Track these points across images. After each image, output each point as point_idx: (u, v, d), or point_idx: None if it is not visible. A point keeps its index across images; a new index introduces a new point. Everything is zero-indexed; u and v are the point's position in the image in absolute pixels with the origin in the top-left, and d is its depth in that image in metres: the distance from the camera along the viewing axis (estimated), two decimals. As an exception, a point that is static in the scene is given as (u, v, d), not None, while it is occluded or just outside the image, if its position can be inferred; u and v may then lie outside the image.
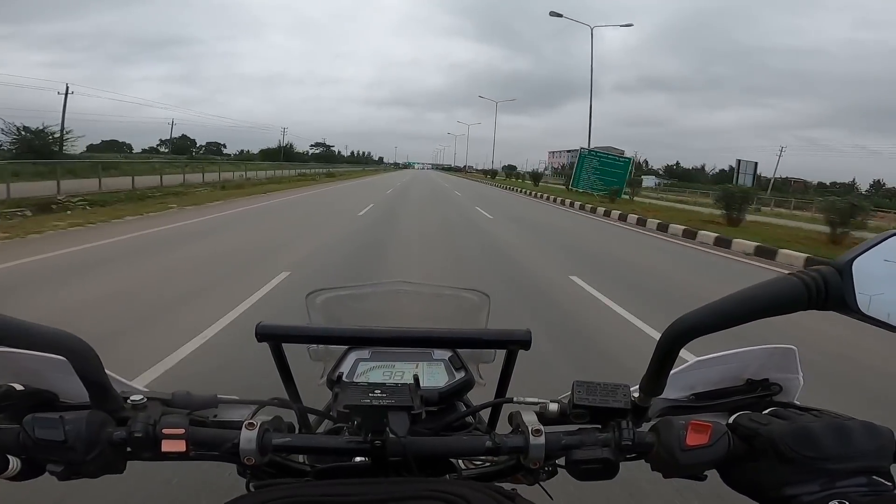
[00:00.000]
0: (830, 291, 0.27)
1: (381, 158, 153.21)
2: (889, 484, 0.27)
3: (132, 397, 0.33)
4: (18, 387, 0.33)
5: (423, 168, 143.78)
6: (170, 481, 1.16)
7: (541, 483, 0.35)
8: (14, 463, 0.30)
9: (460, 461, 0.40)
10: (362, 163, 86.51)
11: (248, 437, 0.30)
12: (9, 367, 0.34)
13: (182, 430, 0.30)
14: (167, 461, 0.31)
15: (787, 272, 0.28)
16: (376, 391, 0.31)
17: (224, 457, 0.31)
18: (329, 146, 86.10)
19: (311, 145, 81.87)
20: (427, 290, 0.61)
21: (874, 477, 0.27)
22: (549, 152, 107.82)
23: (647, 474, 0.33)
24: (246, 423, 0.30)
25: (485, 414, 0.47)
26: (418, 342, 0.41)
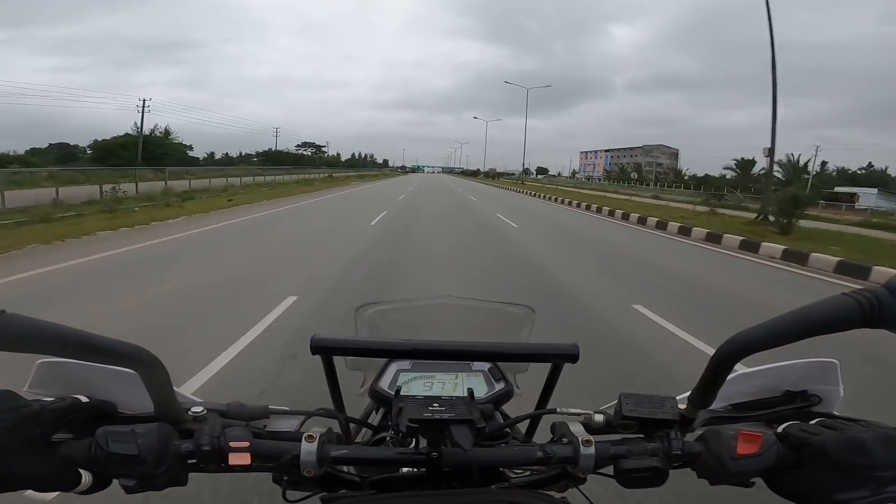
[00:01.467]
0: (884, 310, 0.34)
1: (385, 161, 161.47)
2: None
3: (192, 409, 0.41)
4: (83, 398, 0.40)
5: (433, 172, 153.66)
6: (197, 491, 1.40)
7: (580, 489, 0.44)
8: (86, 477, 0.37)
9: (507, 470, 0.48)
10: (358, 166, 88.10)
11: (308, 450, 0.37)
12: (77, 378, 0.42)
13: (247, 444, 0.37)
14: (228, 473, 0.38)
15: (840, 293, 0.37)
16: (434, 404, 0.39)
17: (282, 468, 0.39)
18: (320, 146, 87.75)
19: (297, 145, 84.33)
20: (472, 303, 0.73)
21: None
22: (581, 153, 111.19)
23: (691, 481, 0.41)
24: (305, 435, 0.38)
25: (522, 426, 0.57)
26: (467, 356, 0.50)
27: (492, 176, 76.53)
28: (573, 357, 0.49)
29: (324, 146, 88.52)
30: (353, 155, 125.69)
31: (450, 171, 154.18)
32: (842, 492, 0.35)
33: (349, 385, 0.59)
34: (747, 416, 0.46)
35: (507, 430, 0.52)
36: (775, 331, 0.37)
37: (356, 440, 0.56)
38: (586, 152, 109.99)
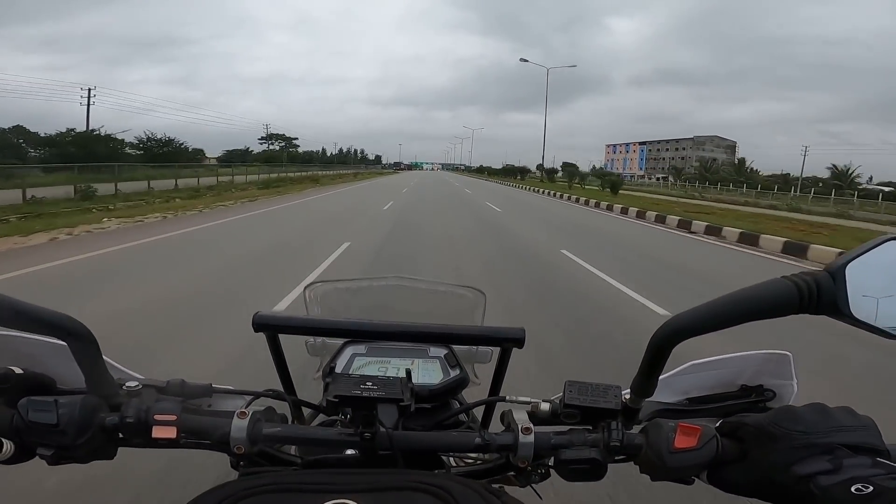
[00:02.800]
0: (823, 296, 0.38)
1: (378, 157, 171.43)
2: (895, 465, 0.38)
3: (128, 383, 0.49)
4: (17, 370, 0.48)
5: (432, 169, 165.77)
6: (162, 471, 1.83)
7: (532, 486, 0.52)
8: (7, 446, 0.43)
9: (451, 459, 0.57)
10: (340, 164, 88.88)
11: (238, 426, 0.44)
12: (7, 350, 0.49)
13: (174, 417, 0.44)
14: (158, 448, 0.46)
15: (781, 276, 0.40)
16: (368, 383, 0.47)
17: (215, 445, 0.46)
18: (291, 139, 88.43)
19: (261, 138, 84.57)
20: (424, 286, 0.85)
21: (879, 459, 0.38)
22: (608, 146, 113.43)
23: (640, 477, 0.48)
24: (238, 412, 0.45)
25: (479, 414, 0.67)
26: (414, 337, 0.58)
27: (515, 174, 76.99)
28: (519, 342, 0.58)
29: (295, 139, 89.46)
30: (341, 150, 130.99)
31: (453, 168, 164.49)
32: (799, 465, 0.39)
33: (311, 371, 0.72)
34: (700, 410, 0.53)
35: (463, 419, 0.60)
36: (711, 315, 0.42)
37: (312, 425, 0.64)
38: (614, 146, 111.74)
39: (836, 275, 0.38)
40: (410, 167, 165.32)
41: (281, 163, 54.35)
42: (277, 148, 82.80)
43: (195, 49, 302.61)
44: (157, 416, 0.45)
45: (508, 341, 0.59)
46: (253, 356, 2.85)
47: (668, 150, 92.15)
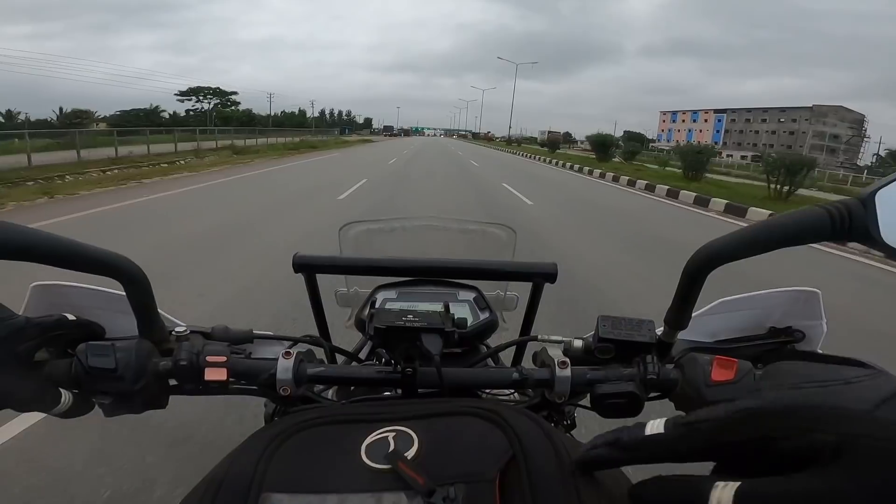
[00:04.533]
0: (854, 222, 0.47)
1: (368, 121, 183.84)
2: None
3: (176, 329, 0.63)
4: (70, 316, 0.59)
5: (435, 134, 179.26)
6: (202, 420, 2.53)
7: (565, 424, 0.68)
8: (66, 396, 0.54)
9: (486, 397, 0.72)
10: (296, 126, 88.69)
11: (284, 367, 0.57)
12: (61, 300, 0.63)
13: (224, 358, 0.58)
14: (208, 395, 0.59)
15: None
16: (409, 315, 0.58)
17: (261, 390, 0.61)
18: (227, 94, 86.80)
19: (179, 94, 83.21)
20: (456, 225, 1.07)
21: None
22: (663, 113, 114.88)
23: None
24: (283, 352, 0.58)
25: (508, 360, 0.85)
26: (447, 272, 0.75)
27: (516, 142, 77.75)
28: (551, 276, 0.75)
29: (233, 93, 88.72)
30: (323, 112, 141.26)
31: (455, 133, 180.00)
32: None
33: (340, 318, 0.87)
34: (731, 350, 0.67)
35: (491, 360, 0.77)
36: (746, 240, 0.52)
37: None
38: (673, 112, 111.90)
39: (866, 202, 0.48)
40: (408, 132, 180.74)
41: (205, 126, 52.59)
42: (204, 107, 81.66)
43: (188, 14, 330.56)
44: (209, 359, 0.58)
45: (540, 276, 0.75)
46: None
47: (758, 120, 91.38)
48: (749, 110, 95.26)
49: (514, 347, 0.81)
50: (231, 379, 0.58)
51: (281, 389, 0.57)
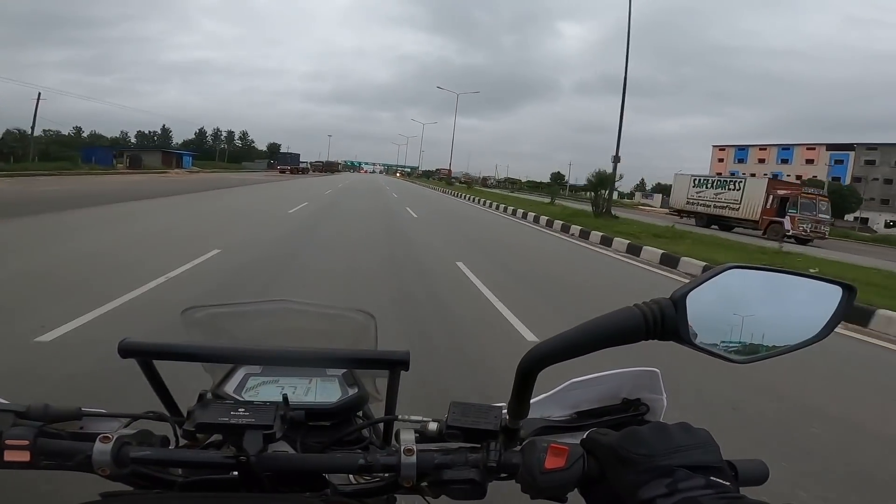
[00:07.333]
0: (666, 323, 0.53)
1: (276, 149, 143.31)
2: (727, 483, 0.52)
3: None
4: None
5: (374, 171, 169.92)
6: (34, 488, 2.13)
7: (427, 499, 0.67)
8: None
9: (351, 477, 0.72)
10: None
11: (101, 450, 0.57)
12: None
13: (26, 442, 0.57)
14: (15, 470, 0.58)
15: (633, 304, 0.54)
16: (240, 409, 0.60)
17: (80, 468, 0.59)
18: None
19: None
20: (313, 309, 1.02)
21: (712, 478, 0.52)
22: (716, 147, 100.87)
23: (523, 496, 0.62)
24: (101, 436, 0.58)
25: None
26: (296, 362, 0.74)
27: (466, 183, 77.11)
28: (403, 364, 0.76)
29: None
30: (225, 133, 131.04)
31: (393, 169, 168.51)
32: (643, 489, 0.52)
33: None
34: (586, 425, 0.71)
35: (366, 434, 0.77)
36: (571, 343, 0.57)
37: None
38: (733, 147, 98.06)
39: (677, 303, 0.53)
40: (333, 167, 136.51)
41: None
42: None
43: (104, 32, 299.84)
44: (8, 441, 0.58)
45: (391, 363, 0.76)
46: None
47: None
48: (880, 146, 78.88)
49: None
50: (41, 458, 0.58)
51: (99, 471, 0.57)
